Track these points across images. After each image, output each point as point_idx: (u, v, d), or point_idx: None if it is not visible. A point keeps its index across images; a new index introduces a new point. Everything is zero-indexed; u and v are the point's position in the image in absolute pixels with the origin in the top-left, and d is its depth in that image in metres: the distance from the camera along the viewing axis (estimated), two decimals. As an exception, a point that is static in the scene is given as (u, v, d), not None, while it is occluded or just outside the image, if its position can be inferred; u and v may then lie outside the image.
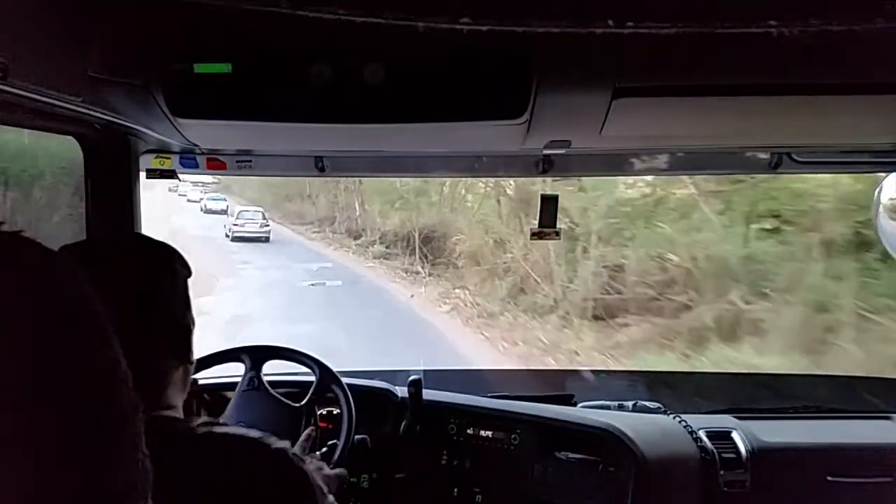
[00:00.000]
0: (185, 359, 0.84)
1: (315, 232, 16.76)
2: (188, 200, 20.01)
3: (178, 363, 0.83)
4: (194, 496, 0.69)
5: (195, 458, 0.73)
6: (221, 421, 0.81)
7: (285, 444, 0.78)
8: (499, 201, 10.28)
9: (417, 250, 11.85)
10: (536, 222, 1.48)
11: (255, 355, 1.45)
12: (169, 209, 16.38)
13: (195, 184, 22.14)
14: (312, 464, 1.11)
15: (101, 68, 0.85)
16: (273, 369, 1.54)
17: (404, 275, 11.81)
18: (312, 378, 1.45)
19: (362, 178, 10.98)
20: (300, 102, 0.91)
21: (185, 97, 0.92)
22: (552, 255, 8.56)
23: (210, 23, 0.79)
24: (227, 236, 15.66)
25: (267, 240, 15.91)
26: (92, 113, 0.99)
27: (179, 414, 0.81)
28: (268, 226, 16.18)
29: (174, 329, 0.82)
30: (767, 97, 0.97)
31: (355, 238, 14.58)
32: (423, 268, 11.58)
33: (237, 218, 16.36)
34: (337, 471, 1.20)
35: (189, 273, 0.89)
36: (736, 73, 0.92)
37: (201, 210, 19.34)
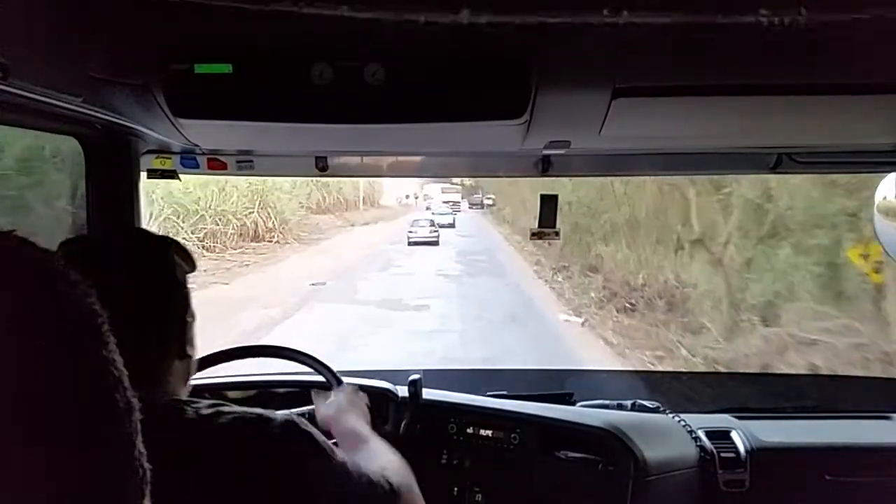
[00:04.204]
0: (184, 352, 0.85)
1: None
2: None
3: (178, 357, 0.84)
4: (205, 477, 0.70)
5: (204, 439, 0.74)
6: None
7: (287, 413, 0.80)
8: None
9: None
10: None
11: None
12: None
13: (445, 202, 29.35)
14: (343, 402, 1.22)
15: (101, 68, 0.85)
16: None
17: None
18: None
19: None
20: (301, 103, 0.91)
21: (186, 97, 0.92)
22: None
23: (211, 23, 0.79)
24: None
25: (437, 243, 17.83)
26: (93, 113, 0.99)
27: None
28: (437, 232, 18.80)
29: (172, 323, 0.83)
30: (767, 97, 0.97)
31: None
32: None
33: (411, 226, 19.05)
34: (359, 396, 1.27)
35: (191, 268, 0.89)
36: (736, 72, 0.92)
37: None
